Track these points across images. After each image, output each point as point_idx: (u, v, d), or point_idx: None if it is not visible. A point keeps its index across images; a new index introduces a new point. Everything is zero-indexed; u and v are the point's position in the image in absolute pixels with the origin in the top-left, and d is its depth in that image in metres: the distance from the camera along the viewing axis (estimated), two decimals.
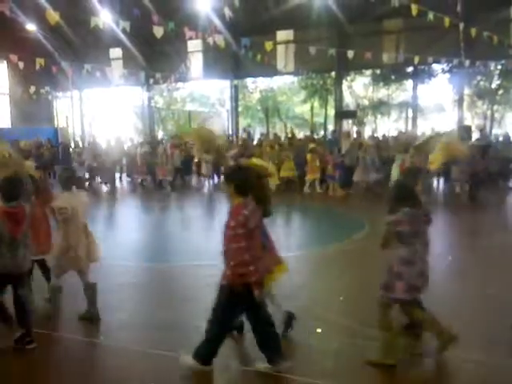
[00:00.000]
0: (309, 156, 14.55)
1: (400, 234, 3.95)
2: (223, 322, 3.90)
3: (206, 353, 3.88)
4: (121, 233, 10.01)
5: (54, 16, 8.18)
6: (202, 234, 9.55)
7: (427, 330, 4.22)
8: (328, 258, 7.52)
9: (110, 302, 5.34)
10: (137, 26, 11.86)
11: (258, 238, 3.82)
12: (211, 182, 16.86)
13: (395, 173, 13.30)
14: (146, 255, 7.99)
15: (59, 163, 19.36)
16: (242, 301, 3.76)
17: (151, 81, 23.05)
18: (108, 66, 22.37)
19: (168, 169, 16.13)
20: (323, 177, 14.61)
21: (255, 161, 5.01)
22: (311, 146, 15.30)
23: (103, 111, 33.27)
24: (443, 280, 5.96)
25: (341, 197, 13.57)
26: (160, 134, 31.57)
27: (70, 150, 20.61)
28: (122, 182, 18.42)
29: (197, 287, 5.95)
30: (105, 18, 13.10)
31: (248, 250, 3.63)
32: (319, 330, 4.68)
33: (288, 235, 9.25)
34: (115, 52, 24.90)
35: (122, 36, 18.29)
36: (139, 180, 17.09)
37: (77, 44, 23.33)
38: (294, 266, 5.51)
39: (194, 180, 17.66)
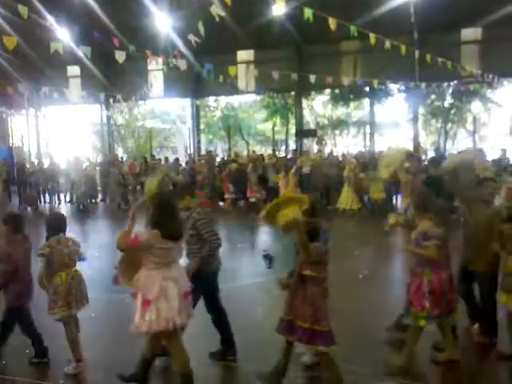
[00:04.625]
0: (402, 176, 12.99)
1: None
2: None
3: None
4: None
5: (12, 41, 7.95)
6: None
7: None
8: None
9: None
10: (96, 46, 11.68)
11: None
12: None
13: None
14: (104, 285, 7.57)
15: (15, 184, 18.75)
16: None
17: (111, 100, 22.72)
18: (66, 84, 21.93)
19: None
20: None
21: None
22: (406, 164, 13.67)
23: (60, 129, 32.44)
24: None
25: None
26: (120, 153, 31.00)
27: (26, 170, 19.93)
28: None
29: None
30: (64, 39, 12.89)
31: None
32: None
33: None
34: (73, 70, 24.43)
35: (81, 54, 18.02)
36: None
37: (34, 61, 22.77)
38: None
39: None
